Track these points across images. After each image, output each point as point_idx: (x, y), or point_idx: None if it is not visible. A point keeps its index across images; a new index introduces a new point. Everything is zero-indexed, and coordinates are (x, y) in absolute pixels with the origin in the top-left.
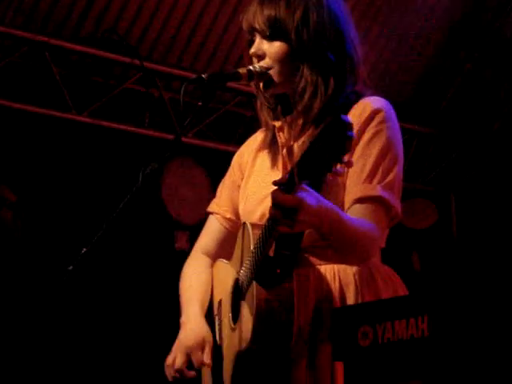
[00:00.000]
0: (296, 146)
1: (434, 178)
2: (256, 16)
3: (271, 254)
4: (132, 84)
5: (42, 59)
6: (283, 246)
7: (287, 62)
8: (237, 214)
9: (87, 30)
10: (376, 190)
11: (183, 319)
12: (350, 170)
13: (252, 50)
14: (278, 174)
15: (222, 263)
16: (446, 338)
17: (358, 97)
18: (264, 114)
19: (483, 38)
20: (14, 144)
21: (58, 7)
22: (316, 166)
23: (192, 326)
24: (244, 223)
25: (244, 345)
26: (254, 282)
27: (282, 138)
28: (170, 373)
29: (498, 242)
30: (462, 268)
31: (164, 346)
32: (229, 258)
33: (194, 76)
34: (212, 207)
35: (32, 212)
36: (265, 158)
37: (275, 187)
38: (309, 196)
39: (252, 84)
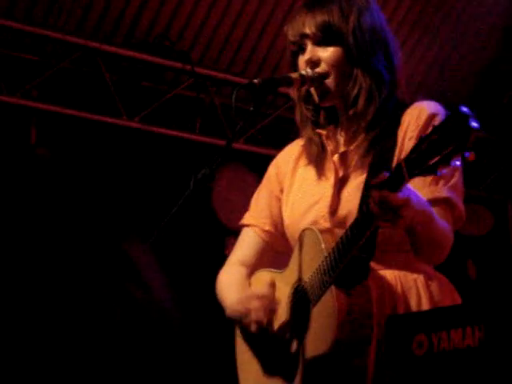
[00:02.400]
0: (350, 152)
1: (490, 184)
2: (308, 22)
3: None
4: (183, 90)
5: (94, 65)
6: (360, 249)
7: (342, 67)
8: (275, 226)
9: (139, 35)
10: (443, 191)
11: (229, 310)
12: None
13: (306, 57)
14: (326, 183)
15: (267, 273)
16: (501, 348)
17: (404, 102)
18: (306, 124)
19: None
20: (67, 150)
21: (110, 13)
22: (430, 160)
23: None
24: (308, 229)
25: (324, 349)
26: (334, 287)
27: (330, 145)
28: (247, 322)
29: None
30: None
31: (218, 351)
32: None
33: (245, 81)
34: (248, 220)
35: (84, 218)
36: (309, 167)
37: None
38: (413, 193)
39: (303, 90)
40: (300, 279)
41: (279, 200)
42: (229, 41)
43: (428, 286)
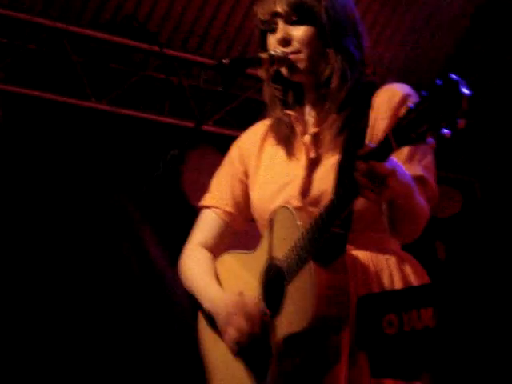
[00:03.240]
0: (322, 133)
1: (458, 165)
2: (279, 0)
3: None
4: (152, 71)
5: (60, 46)
6: (338, 224)
7: (314, 46)
8: (237, 207)
9: (106, 16)
10: (418, 169)
11: (208, 303)
12: None
13: (279, 35)
14: (296, 163)
15: (236, 254)
16: (464, 326)
17: (373, 82)
18: (275, 104)
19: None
20: (33, 132)
21: None
22: (419, 128)
23: (226, 297)
24: (282, 207)
25: (303, 324)
26: (312, 262)
27: (299, 126)
28: (238, 344)
29: None
30: (486, 257)
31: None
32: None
33: (214, 62)
34: (208, 201)
35: (49, 199)
36: (277, 147)
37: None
38: (398, 165)
39: (271, 70)
40: (272, 258)
41: (242, 182)
42: (197, 22)
43: (400, 268)
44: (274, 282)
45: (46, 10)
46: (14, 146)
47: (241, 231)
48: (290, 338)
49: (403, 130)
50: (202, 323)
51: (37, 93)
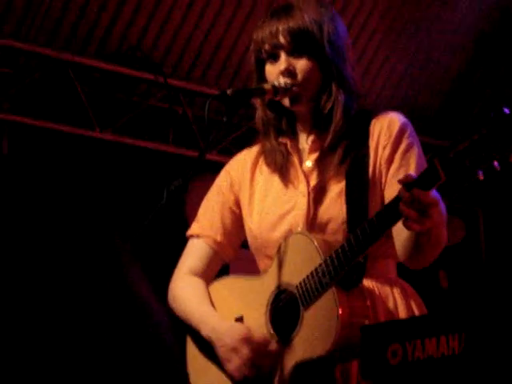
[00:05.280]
0: (323, 161)
1: (461, 194)
2: (281, 31)
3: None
4: (156, 101)
5: (65, 77)
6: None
7: (317, 77)
8: (227, 237)
9: (111, 47)
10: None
11: (208, 332)
12: (392, 178)
13: (282, 67)
14: (296, 191)
15: (233, 280)
16: (477, 357)
17: (368, 112)
18: (268, 132)
19: (509, 54)
20: (38, 162)
21: (82, 24)
22: (468, 160)
23: (228, 326)
24: (299, 234)
25: (324, 349)
26: (335, 288)
27: (295, 154)
28: (244, 375)
29: None
30: (491, 285)
31: None
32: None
33: (217, 92)
34: (198, 230)
35: (55, 228)
36: (270, 176)
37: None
38: (437, 193)
39: (275, 99)
40: (283, 284)
41: (232, 211)
42: (201, 53)
43: (404, 297)
44: (284, 308)
45: (51, 41)
46: (19, 176)
47: (228, 261)
48: (302, 366)
49: (452, 160)
50: (192, 350)
51: (42, 123)
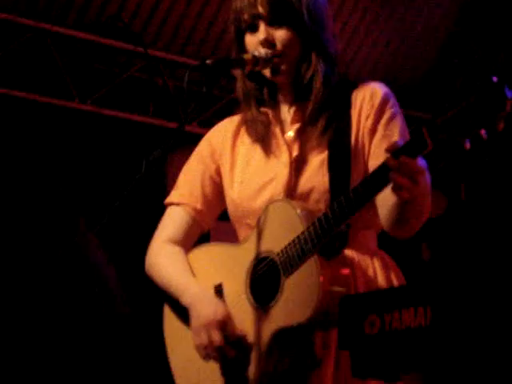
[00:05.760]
0: (306, 131)
1: (443, 167)
2: (259, 1)
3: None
4: (136, 72)
5: (44, 47)
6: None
7: (297, 47)
8: (207, 205)
9: (91, 16)
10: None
11: (188, 299)
12: (376, 148)
13: (261, 37)
14: (277, 161)
15: (213, 247)
16: (450, 327)
17: (348, 79)
18: (250, 102)
19: (495, 25)
20: (16, 132)
21: None
22: (456, 127)
23: (210, 300)
24: (282, 201)
25: (305, 316)
26: (317, 255)
27: (277, 124)
28: (207, 353)
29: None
30: (470, 257)
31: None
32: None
33: (197, 63)
34: (178, 198)
35: (33, 200)
36: (252, 146)
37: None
38: (424, 160)
39: (256, 70)
40: (263, 252)
41: (213, 179)
42: (182, 23)
43: (384, 268)
44: (265, 275)
45: (29, 10)
46: None
47: (208, 229)
48: (281, 333)
49: (440, 128)
50: (169, 317)
51: (20, 93)
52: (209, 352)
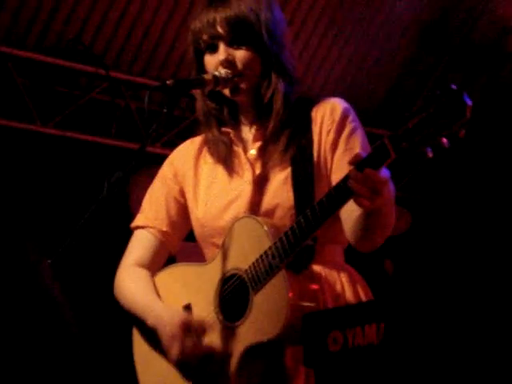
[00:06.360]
0: (267, 149)
1: (406, 183)
2: (219, 21)
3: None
4: (98, 94)
5: (5, 70)
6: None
7: (256, 67)
8: (173, 227)
9: (51, 40)
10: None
11: (153, 321)
12: (339, 162)
13: (221, 57)
14: (241, 180)
15: (179, 268)
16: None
17: (309, 99)
18: (210, 123)
19: (452, 43)
20: None
21: (21, 17)
22: (418, 136)
23: (170, 314)
24: (248, 217)
25: (274, 332)
26: (285, 270)
27: (238, 144)
28: (188, 363)
29: (471, 246)
30: (432, 274)
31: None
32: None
33: (158, 84)
34: (143, 221)
35: None
36: (214, 166)
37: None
38: (387, 171)
39: (216, 89)
40: (231, 269)
41: (177, 201)
42: (143, 44)
43: (351, 283)
44: (233, 293)
45: None
46: None
47: (173, 251)
48: (252, 350)
49: (402, 138)
50: (138, 342)
51: None
52: (185, 359)
